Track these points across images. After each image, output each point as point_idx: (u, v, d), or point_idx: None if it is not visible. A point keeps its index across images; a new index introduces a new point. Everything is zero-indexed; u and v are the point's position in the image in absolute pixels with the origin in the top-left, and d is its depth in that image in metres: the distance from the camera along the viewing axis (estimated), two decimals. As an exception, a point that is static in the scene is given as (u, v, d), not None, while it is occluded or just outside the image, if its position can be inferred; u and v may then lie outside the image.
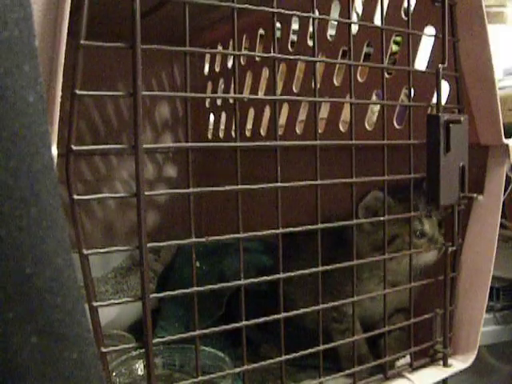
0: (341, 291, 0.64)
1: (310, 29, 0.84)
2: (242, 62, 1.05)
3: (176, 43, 0.43)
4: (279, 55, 0.48)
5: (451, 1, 0.58)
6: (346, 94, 0.74)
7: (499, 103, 0.59)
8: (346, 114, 0.80)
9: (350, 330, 0.66)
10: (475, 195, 0.60)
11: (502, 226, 0.88)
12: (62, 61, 0.36)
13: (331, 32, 0.85)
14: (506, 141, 0.61)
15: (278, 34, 0.92)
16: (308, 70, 0.90)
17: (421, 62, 0.70)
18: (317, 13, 0.51)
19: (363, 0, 0.78)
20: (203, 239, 0.44)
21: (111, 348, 0.41)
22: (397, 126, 0.74)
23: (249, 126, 1.05)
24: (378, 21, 0.64)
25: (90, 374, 0.33)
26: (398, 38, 0.78)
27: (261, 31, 0.99)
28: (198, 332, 0.44)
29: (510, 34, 1.15)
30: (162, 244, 0.43)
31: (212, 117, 1.19)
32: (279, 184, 0.48)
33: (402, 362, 0.61)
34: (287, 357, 0.49)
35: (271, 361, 0.49)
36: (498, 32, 1.12)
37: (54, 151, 0.33)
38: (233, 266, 0.81)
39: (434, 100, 0.58)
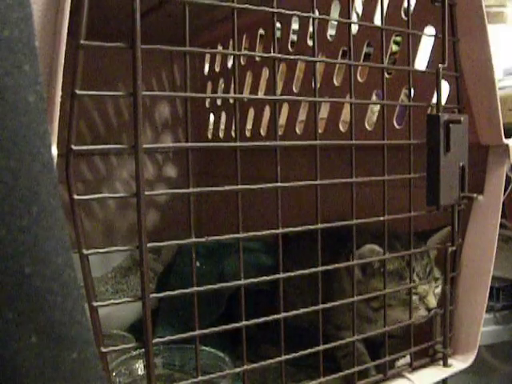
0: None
1: (310, 29, 0.84)
2: (242, 62, 1.05)
3: (176, 43, 0.43)
4: (279, 55, 0.48)
5: (451, 1, 0.58)
6: (346, 94, 0.74)
7: (499, 103, 0.59)
8: (346, 113, 0.80)
9: (350, 354, 0.65)
10: (475, 195, 0.60)
11: (501, 226, 0.88)
12: (62, 61, 0.36)
13: (331, 32, 0.85)
14: (506, 141, 0.61)
15: (278, 34, 0.92)
16: (308, 70, 0.90)
17: (421, 62, 0.70)
18: (317, 13, 0.51)
19: (363, 0, 0.78)
20: (203, 239, 0.44)
21: (111, 348, 0.41)
22: (397, 126, 0.74)
23: (249, 126, 1.05)
24: (378, 21, 0.64)
25: (90, 374, 0.33)
26: (398, 38, 0.78)
27: (261, 31, 0.99)
28: (198, 332, 0.44)
29: (510, 34, 1.15)
30: (162, 244, 0.43)
31: (212, 117, 1.19)
32: (279, 184, 0.48)
33: (401, 361, 0.61)
34: (287, 357, 0.49)
35: (271, 361, 0.49)
36: (498, 32, 1.12)
37: (54, 151, 0.33)
38: (233, 266, 0.80)
39: (434, 100, 0.58)
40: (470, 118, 0.59)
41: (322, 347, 0.52)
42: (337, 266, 0.53)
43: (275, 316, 0.49)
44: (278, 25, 0.90)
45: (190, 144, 0.44)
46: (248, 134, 1.05)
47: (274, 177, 0.47)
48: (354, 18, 0.95)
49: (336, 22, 0.87)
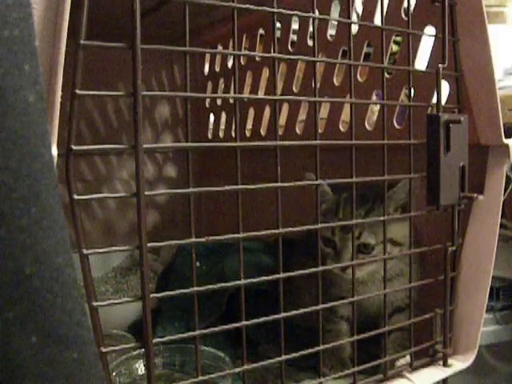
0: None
1: (310, 29, 0.84)
2: (242, 62, 1.05)
3: (176, 43, 0.43)
4: (279, 55, 0.48)
5: (451, 1, 0.58)
6: (346, 94, 0.74)
7: (499, 103, 0.59)
8: (346, 113, 0.80)
9: (334, 331, 0.66)
10: (475, 195, 0.60)
11: (502, 225, 0.89)
12: (62, 61, 0.36)
13: (331, 32, 0.85)
14: (506, 141, 0.61)
15: (278, 33, 0.92)
16: (308, 70, 0.90)
17: (421, 62, 0.70)
18: (317, 13, 0.51)
19: (363, 0, 0.78)
20: (203, 239, 0.44)
21: (111, 348, 0.41)
22: (397, 126, 0.74)
23: (249, 126, 1.05)
24: (378, 21, 0.64)
25: (90, 374, 0.33)
26: (398, 38, 0.78)
27: (261, 31, 0.99)
28: (198, 332, 0.44)
29: (510, 34, 1.15)
30: (161, 244, 0.43)
31: (212, 117, 1.19)
32: (279, 184, 0.48)
33: (401, 361, 0.61)
34: (287, 357, 0.49)
35: (271, 361, 0.49)
36: (498, 32, 1.13)
37: (54, 151, 0.34)
38: (233, 266, 0.80)
39: (434, 100, 0.58)
40: (470, 118, 0.59)
41: (322, 347, 0.52)
42: (337, 265, 0.53)
43: (275, 316, 0.49)
44: (278, 25, 0.90)
45: (190, 144, 0.44)
46: (248, 133, 1.05)
47: (273, 177, 0.47)
48: (354, 17, 0.95)
49: (336, 22, 0.87)
